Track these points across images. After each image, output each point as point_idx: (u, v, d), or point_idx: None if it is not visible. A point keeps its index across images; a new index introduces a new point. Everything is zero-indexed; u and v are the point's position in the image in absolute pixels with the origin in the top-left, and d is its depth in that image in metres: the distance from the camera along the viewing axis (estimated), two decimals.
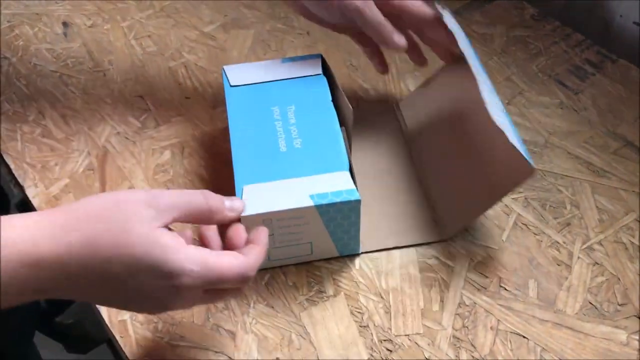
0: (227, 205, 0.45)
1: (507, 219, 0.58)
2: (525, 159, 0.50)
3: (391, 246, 0.56)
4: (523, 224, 0.58)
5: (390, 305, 0.53)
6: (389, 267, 0.55)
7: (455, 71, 0.62)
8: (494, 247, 0.56)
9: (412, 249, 0.56)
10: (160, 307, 0.42)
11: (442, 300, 0.53)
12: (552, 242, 0.57)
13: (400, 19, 0.58)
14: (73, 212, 0.39)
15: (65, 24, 0.78)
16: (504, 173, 0.53)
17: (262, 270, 0.54)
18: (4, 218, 0.37)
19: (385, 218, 0.58)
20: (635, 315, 0.52)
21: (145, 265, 0.38)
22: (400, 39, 0.57)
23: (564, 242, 0.57)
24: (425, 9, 0.58)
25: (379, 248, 0.56)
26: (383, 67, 0.64)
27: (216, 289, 0.42)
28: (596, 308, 0.52)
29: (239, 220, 0.46)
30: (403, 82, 0.71)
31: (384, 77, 0.71)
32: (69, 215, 0.38)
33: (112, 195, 0.40)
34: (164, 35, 0.77)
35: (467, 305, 0.53)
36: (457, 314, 0.52)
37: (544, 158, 0.63)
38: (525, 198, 0.60)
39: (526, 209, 0.59)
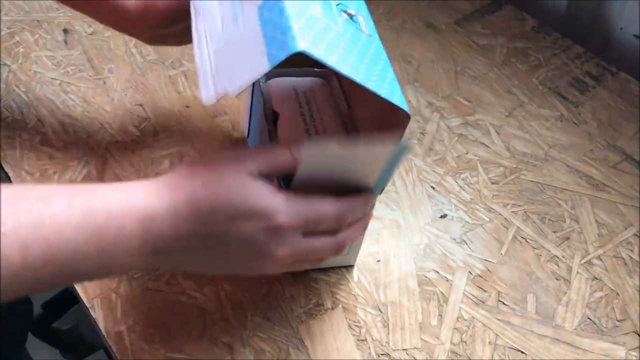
0: None
1: (506, 233, 0.58)
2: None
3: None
4: (522, 237, 0.58)
5: (388, 319, 0.52)
6: (387, 279, 0.55)
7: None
8: (492, 261, 0.56)
9: (411, 261, 0.56)
10: (261, 258, 0.42)
11: (440, 314, 0.53)
12: (551, 257, 0.57)
13: None
14: (171, 176, 0.41)
15: (65, 31, 0.78)
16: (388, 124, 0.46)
17: (260, 282, 0.54)
18: (112, 184, 0.40)
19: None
20: (634, 332, 0.52)
21: (243, 209, 0.39)
22: None
23: (563, 257, 0.56)
24: None
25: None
26: None
27: (315, 234, 0.42)
28: (595, 324, 0.52)
29: None
30: (403, 92, 0.71)
31: None
32: (169, 177, 0.41)
33: (205, 160, 0.43)
34: None
35: (466, 320, 0.52)
36: (456, 329, 0.52)
37: (544, 171, 0.63)
38: (525, 212, 0.60)
39: (525, 222, 0.59)
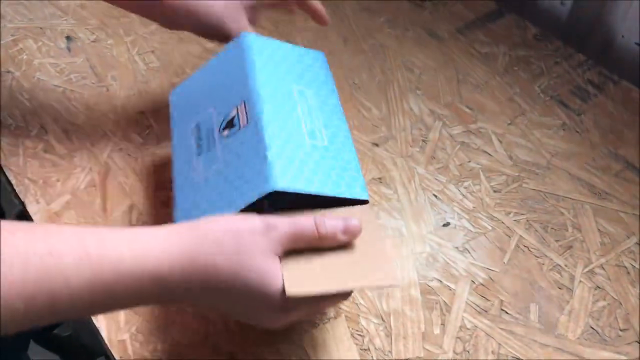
0: (341, 228, 0.45)
1: (508, 241, 0.58)
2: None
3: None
4: (525, 246, 0.58)
5: (391, 328, 0.52)
6: (390, 288, 0.55)
7: None
8: (495, 270, 0.56)
9: (413, 270, 0.56)
10: (270, 324, 0.45)
11: (443, 324, 0.53)
12: (554, 265, 0.57)
13: None
14: (198, 237, 0.41)
15: (68, 39, 0.79)
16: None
17: None
18: (132, 229, 0.41)
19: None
20: (636, 341, 0.52)
21: (258, 293, 0.41)
22: None
23: (566, 266, 0.57)
24: None
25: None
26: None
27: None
28: (598, 333, 0.52)
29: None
30: (405, 100, 0.71)
31: (386, 96, 0.71)
32: (195, 241, 0.41)
33: (231, 223, 0.42)
34: (168, 51, 0.77)
35: (468, 329, 0.52)
36: (458, 338, 0.52)
37: (546, 180, 0.63)
38: (527, 220, 0.60)
39: (528, 231, 0.59)
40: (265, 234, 0.42)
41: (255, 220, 0.43)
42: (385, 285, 0.51)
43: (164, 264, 0.40)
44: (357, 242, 0.45)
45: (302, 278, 0.42)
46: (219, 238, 0.41)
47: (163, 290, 0.40)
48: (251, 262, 0.41)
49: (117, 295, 0.39)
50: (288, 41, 0.59)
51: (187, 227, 0.42)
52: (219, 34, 0.59)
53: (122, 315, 0.53)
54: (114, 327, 0.52)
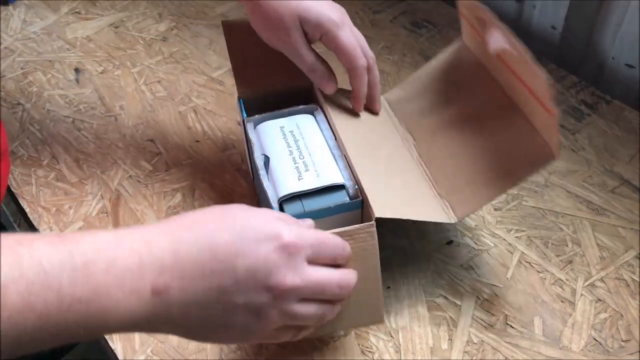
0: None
1: (511, 258, 0.60)
2: (548, 143, 0.49)
3: (406, 217, 0.50)
4: (527, 262, 0.60)
5: (400, 344, 0.54)
6: (397, 306, 0.56)
7: (449, 64, 0.62)
8: (499, 285, 0.58)
9: (419, 289, 0.58)
10: (267, 287, 0.39)
11: (450, 339, 0.54)
12: (556, 280, 0.58)
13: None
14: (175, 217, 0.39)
15: (77, 71, 0.81)
16: (523, 156, 0.51)
17: None
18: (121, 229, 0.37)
19: (395, 190, 0.53)
20: (638, 352, 0.53)
21: (252, 231, 0.39)
22: (329, 84, 0.57)
23: (567, 280, 0.58)
24: (359, 58, 0.55)
25: (393, 216, 0.49)
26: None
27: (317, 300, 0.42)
28: (601, 344, 0.54)
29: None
30: None
31: (384, 85, 0.73)
32: (171, 218, 0.39)
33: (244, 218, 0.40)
34: (174, 81, 0.79)
35: (475, 343, 0.54)
36: (466, 352, 0.53)
37: (545, 197, 0.65)
38: (528, 237, 0.62)
39: (529, 247, 0.61)
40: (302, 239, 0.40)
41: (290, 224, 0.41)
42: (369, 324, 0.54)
43: (152, 239, 0.37)
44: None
45: None
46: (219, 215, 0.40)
47: (153, 265, 0.36)
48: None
49: (99, 278, 0.34)
50: None
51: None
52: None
53: (137, 337, 0.54)
54: (130, 350, 0.53)
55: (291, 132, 0.55)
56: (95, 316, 0.34)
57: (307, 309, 0.41)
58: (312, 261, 0.41)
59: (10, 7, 0.91)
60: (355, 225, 0.46)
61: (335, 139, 0.55)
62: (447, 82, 0.61)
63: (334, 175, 0.51)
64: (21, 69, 0.81)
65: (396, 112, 0.63)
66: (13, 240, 0.33)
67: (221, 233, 0.38)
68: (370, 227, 0.46)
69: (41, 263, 0.32)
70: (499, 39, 0.51)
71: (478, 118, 0.57)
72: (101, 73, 0.81)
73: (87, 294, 0.33)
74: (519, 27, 0.86)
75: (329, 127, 0.56)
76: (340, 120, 0.57)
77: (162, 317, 0.36)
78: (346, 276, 0.43)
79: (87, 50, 0.84)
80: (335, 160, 0.53)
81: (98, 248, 0.35)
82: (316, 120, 0.57)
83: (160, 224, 0.39)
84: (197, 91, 0.78)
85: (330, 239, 0.43)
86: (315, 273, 0.41)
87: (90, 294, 0.33)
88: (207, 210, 0.40)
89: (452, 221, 0.53)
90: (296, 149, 0.54)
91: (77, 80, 0.80)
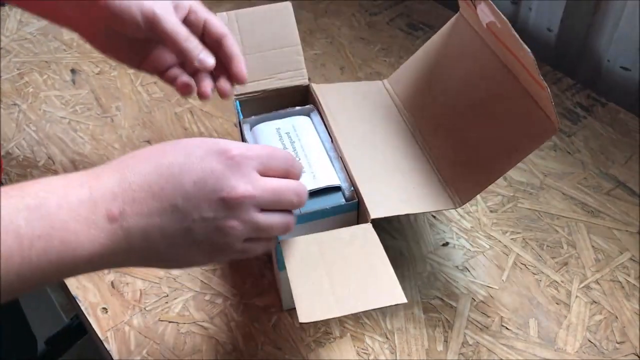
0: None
1: (506, 259, 0.60)
2: (549, 116, 0.48)
3: (403, 213, 0.51)
4: (522, 264, 0.60)
5: (395, 346, 0.54)
6: (393, 308, 0.56)
7: (446, 39, 0.61)
8: (494, 287, 0.58)
9: (415, 290, 0.58)
10: (220, 194, 0.39)
11: (446, 340, 0.54)
12: (551, 282, 0.58)
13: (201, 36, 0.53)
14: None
15: (73, 71, 0.81)
16: (524, 132, 0.50)
17: (269, 312, 0.56)
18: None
19: (393, 188, 0.53)
20: (633, 353, 0.53)
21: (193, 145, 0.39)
22: (207, 57, 0.52)
23: (562, 282, 0.58)
24: (224, 29, 0.53)
25: (388, 215, 0.49)
26: (186, 88, 0.54)
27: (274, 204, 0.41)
28: (595, 346, 0.54)
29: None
30: None
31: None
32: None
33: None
34: None
35: (470, 345, 0.54)
36: (461, 353, 0.53)
37: (540, 199, 0.65)
38: (524, 239, 0.62)
39: (524, 249, 0.61)
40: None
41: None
42: (392, 304, 0.52)
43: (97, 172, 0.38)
44: (362, 263, 0.47)
45: (312, 305, 0.43)
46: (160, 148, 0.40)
47: (102, 191, 0.37)
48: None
49: (52, 208, 0.35)
50: None
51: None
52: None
53: (132, 338, 0.54)
54: (125, 351, 0.53)
55: (287, 133, 0.55)
56: (59, 251, 0.35)
57: (270, 217, 0.41)
58: (263, 173, 0.41)
59: (7, 8, 0.91)
60: (351, 227, 0.47)
61: (332, 140, 0.55)
62: (447, 55, 0.61)
63: (330, 177, 0.51)
64: (17, 69, 0.81)
65: (398, 94, 0.63)
66: None
67: (166, 154, 0.39)
68: (367, 229, 0.47)
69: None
70: (487, 12, 0.51)
71: (478, 90, 0.56)
72: (97, 74, 0.81)
73: (45, 230, 0.35)
74: (515, 29, 0.86)
75: (325, 129, 0.56)
76: (337, 120, 0.57)
77: (124, 245, 0.37)
78: (300, 185, 0.42)
79: (84, 51, 0.83)
80: (332, 161, 0.53)
81: (48, 188, 0.36)
82: (312, 122, 0.57)
83: (106, 163, 0.39)
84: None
85: (278, 151, 0.42)
86: (270, 181, 0.41)
87: (48, 229, 0.35)
88: (154, 145, 0.41)
89: (458, 206, 0.52)
90: (292, 151, 0.54)
91: (74, 81, 0.80)
